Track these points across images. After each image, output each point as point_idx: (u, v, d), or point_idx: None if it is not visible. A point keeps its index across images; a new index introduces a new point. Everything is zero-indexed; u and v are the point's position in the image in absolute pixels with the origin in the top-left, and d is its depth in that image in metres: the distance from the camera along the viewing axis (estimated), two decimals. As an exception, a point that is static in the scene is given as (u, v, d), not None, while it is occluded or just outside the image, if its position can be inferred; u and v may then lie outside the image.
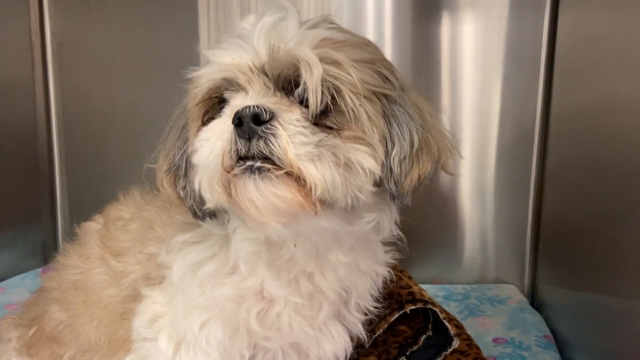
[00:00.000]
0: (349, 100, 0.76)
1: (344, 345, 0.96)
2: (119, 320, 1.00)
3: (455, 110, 1.68)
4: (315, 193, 0.73)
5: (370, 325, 1.15)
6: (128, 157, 1.81)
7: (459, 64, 1.66)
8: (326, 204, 0.76)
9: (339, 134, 0.77)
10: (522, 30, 1.62)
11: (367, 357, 1.21)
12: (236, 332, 0.91)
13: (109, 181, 1.85)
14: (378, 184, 0.81)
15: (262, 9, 0.82)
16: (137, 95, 1.81)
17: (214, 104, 0.83)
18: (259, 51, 0.78)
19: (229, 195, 0.77)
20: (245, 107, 0.73)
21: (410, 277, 1.33)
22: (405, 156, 0.81)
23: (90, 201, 1.60)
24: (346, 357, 0.99)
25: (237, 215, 0.84)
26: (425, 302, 1.24)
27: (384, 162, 0.80)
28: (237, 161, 0.75)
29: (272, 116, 0.74)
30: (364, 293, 0.98)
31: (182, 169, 0.88)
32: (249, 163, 0.74)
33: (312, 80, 0.75)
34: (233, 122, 0.74)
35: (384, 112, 0.80)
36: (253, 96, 0.77)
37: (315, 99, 0.75)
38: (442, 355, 1.21)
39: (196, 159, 0.79)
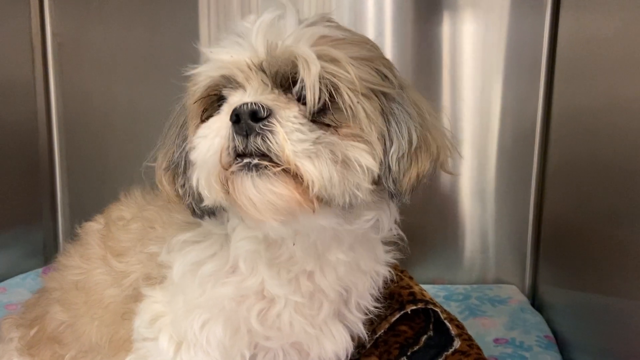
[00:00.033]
0: (346, 97, 0.76)
1: (344, 344, 0.96)
2: (120, 321, 1.00)
3: (456, 110, 1.68)
4: (312, 190, 0.73)
5: (372, 325, 1.15)
6: (128, 157, 1.80)
7: (460, 64, 1.66)
8: (324, 201, 0.76)
9: (336, 131, 0.77)
10: (523, 30, 1.62)
11: (368, 357, 1.21)
12: (237, 332, 0.90)
13: (109, 181, 1.85)
14: (376, 182, 0.81)
15: (263, 8, 0.82)
16: (137, 95, 1.81)
17: (213, 101, 0.82)
18: (257, 48, 0.78)
19: (227, 192, 0.76)
20: (243, 104, 0.73)
21: (411, 278, 1.33)
22: (403, 154, 0.81)
23: (91, 201, 1.62)
24: (347, 356, 0.99)
25: (235, 213, 0.84)
26: (427, 302, 1.24)
27: (382, 160, 0.80)
28: (235, 158, 0.75)
29: (270, 113, 0.73)
30: (365, 292, 0.97)
31: (181, 167, 0.88)
32: (246, 160, 0.74)
33: (309, 78, 0.75)
34: (231, 119, 0.74)
35: (382, 109, 0.80)
36: (251, 93, 0.77)
37: (312, 96, 0.75)
38: (443, 356, 1.21)
39: (194, 156, 0.79)
